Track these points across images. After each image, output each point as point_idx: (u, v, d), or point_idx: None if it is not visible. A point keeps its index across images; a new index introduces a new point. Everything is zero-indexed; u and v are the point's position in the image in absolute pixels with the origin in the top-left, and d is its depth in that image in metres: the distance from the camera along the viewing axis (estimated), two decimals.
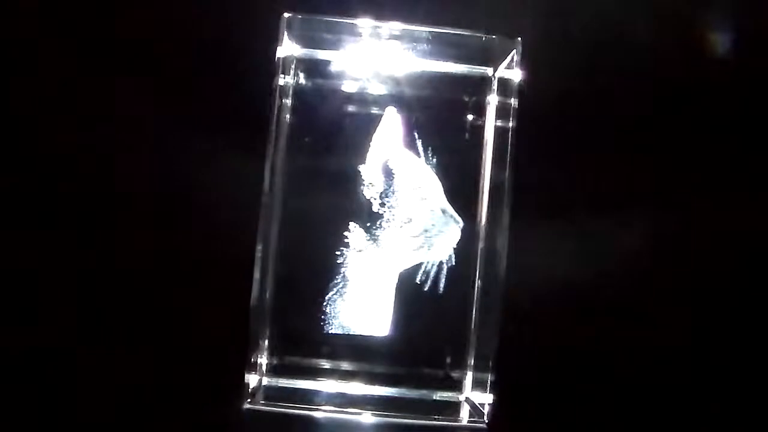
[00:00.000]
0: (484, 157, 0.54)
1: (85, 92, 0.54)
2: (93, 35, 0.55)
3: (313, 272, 0.54)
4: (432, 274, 0.54)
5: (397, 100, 0.55)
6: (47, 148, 0.54)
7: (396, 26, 0.54)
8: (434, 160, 0.54)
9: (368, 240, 0.54)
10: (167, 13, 0.56)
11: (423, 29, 0.54)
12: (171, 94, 0.56)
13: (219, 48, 0.56)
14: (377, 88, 0.55)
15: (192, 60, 0.56)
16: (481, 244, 0.54)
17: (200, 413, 0.51)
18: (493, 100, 0.55)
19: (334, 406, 0.53)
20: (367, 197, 0.54)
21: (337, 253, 0.54)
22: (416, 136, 0.54)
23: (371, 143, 0.54)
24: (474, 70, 0.55)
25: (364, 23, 0.54)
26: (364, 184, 0.54)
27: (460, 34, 0.54)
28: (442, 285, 0.54)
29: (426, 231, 0.54)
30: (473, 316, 0.54)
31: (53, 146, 0.54)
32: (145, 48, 0.55)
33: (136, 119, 0.55)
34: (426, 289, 0.54)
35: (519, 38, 0.53)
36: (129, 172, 0.54)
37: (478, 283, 0.54)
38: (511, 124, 0.53)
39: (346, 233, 0.54)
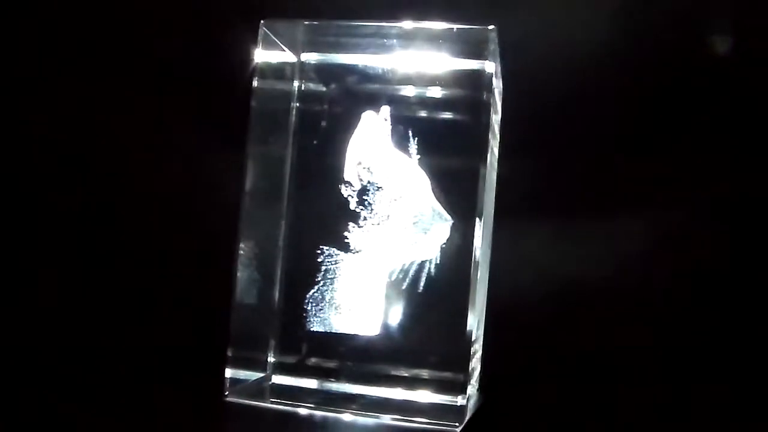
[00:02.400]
0: (466, 153, 0.53)
1: (87, 94, 0.59)
2: (93, 37, 0.59)
3: (299, 270, 0.55)
4: (411, 272, 0.53)
5: (376, 98, 0.54)
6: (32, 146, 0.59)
7: (370, 24, 0.54)
8: (421, 157, 0.54)
9: (354, 239, 0.54)
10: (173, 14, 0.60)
11: (394, 25, 0.53)
12: (176, 96, 0.59)
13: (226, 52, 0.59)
14: (360, 88, 0.55)
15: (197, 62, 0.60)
16: (474, 243, 0.52)
17: (183, 405, 0.54)
18: (464, 92, 0.53)
19: (315, 404, 0.53)
20: (346, 195, 0.54)
21: (318, 251, 0.54)
22: (395, 132, 0.54)
23: (351, 143, 0.54)
24: (454, 64, 0.54)
25: (344, 24, 0.54)
26: (345, 183, 0.54)
27: (431, 27, 0.53)
28: (421, 284, 0.53)
29: (414, 229, 0.54)
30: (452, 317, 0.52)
31: (39, 145, 0.59)
32: (146, 48, 0.59)
33: (140, 122, 0.59)
34: (404, 287, 0.53)
35: (492, 26, 0.51)
36: (130, 172, 0.58)
37: (475, 279, 0.52)
38: (483, 118, 0.51)
39: (331, 232, 0.54)
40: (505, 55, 0.54)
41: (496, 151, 0.57)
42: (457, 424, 0.50)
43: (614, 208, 0.54)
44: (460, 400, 0.51)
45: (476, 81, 0.52)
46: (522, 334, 0.54)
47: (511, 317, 0.55)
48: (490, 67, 0.51)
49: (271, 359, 0.56)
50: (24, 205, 0.59)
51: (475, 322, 0.52)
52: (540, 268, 0.55)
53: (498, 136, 0.59)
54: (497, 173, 0.57)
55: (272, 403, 0.54)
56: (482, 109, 0.52)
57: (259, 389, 0.55)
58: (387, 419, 0.51)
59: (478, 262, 0.51)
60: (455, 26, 0.52)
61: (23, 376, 0.54)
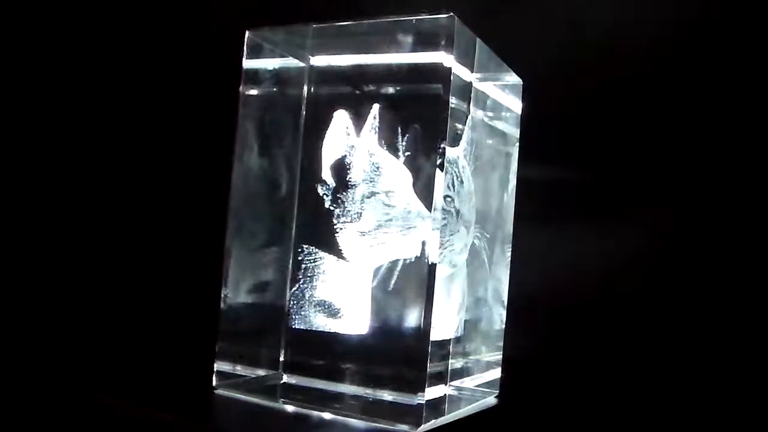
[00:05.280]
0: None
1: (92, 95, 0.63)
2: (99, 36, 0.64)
3: (286, 268, 0.56)
4: (385, 270, 0.53)
5: (356, 96, 0.55)
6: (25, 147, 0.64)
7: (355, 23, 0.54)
8: (403, 154, 0.53)
9: (330, 237, 0.54)
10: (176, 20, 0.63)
11: (361, 22, 0.53)
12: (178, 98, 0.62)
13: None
14: (336, 88, 0.56)
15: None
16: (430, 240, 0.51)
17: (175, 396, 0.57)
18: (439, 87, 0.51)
19: (300, 402, 0.54)
20: (321, 194, 0.54)
21: (300, 250, 0.55)
22: (377, 129, 0.54)
23: (325, 142, 0.55)
24: (423, 58, 0.53)
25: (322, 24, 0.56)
26: (321, 182, 0.55)
27: (395, 20, 0.52)
28: (393, 281, 0.52)
29: (393, 227, 0.53)
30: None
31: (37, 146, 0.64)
32: (147, 51, 0.63)
33: (144, 123, 0.63)
34: (374, 285, 0.53)
35: (451, 14, 0.50)
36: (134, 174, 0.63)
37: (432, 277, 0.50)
38: (441, 109, 0.50)
39: (311, 231, 0.55)
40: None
41: (505, 149, 0.55)
42: (413, 425, 0.49)
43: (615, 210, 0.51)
44: (417, 399, 0.49)
45: (435, 72, 0.51)
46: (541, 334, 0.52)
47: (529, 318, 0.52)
48: (448, 58, 0.50)
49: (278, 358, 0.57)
50: (17, 205, 0.64)
51: (439, 321, 0.50)
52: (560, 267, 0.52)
53: (499, 132, 0.57)
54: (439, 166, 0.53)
55: (256, 398, 0.55)
56: (441, 101, 0.50)
57: (259, 387, 0.56)
58: (350, 418, 0.51)
59: (434, 261, 0.50)
60: (414, 17, 0.51)
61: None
